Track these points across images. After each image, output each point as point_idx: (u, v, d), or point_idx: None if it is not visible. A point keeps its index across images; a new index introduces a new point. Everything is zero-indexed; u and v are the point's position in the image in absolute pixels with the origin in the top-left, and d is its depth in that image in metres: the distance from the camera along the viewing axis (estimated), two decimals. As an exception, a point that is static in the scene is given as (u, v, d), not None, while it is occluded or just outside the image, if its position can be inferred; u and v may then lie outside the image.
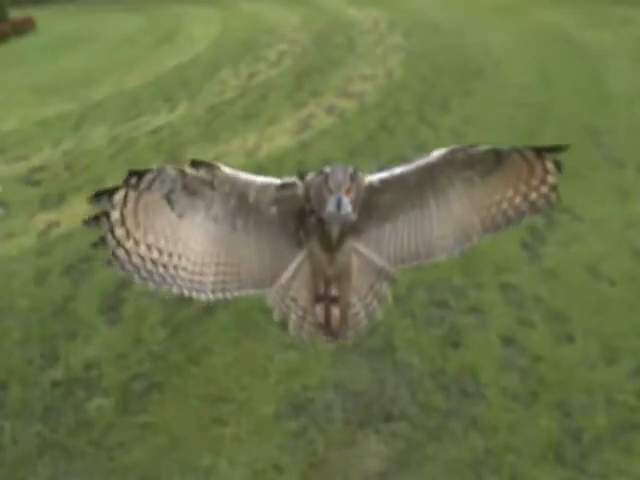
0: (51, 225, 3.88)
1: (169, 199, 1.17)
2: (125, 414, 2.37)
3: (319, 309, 1.41)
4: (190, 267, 1.24)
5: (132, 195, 1.12)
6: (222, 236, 1.28)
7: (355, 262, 1.38)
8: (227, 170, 1.22)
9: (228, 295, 1.32)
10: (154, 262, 1.18)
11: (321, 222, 1.29)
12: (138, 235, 1.15)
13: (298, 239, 1.38)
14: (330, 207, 1.20)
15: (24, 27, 11.80)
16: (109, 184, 1.10)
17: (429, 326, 2.74)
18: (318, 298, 1.41)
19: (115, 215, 1.11)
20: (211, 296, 1.29)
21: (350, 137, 5.00)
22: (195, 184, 1.19)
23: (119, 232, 1.12)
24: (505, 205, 1.24)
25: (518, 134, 4.75)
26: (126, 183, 1.11)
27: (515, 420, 2.24)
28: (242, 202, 1.27)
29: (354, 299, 1.43)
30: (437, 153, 1.23)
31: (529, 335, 2.66)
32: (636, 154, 4.35)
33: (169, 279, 1.21)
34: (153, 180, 1.13)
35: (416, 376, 2.45)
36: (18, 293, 3.18)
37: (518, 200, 1.23)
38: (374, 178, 1.28)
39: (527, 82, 6.04)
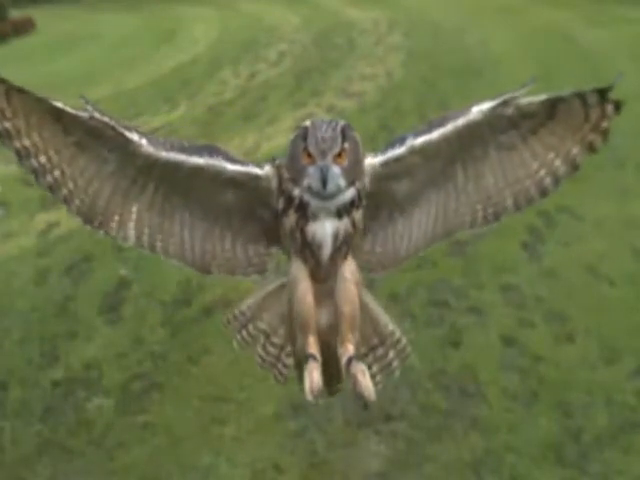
0: (51, 225, 3.88)
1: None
2: (125, 414, 2.37)
3: (313, 370, 0.93)
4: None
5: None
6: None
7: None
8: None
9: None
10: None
11: (302, 221, 0.87)
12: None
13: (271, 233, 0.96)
14: (310, 180, 0.82)
15: (24, 27, 11.82)
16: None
17: (429, 326, 2.74)
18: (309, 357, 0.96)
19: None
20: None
21: (350, 137, 4.99)
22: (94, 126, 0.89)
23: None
24: (543, 172, 0.99)
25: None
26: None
27: (515, 420, 2.24)
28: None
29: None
30: (478, 109, 0.91)
31: (529, 335, 2.66)
32: (636, 154, 4.35)
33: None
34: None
35: (416, 376, 2.45)
36: (18, 293, 3.18)
37: (558, 162, 0.99)
38: (385, 156, 0.93)
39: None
